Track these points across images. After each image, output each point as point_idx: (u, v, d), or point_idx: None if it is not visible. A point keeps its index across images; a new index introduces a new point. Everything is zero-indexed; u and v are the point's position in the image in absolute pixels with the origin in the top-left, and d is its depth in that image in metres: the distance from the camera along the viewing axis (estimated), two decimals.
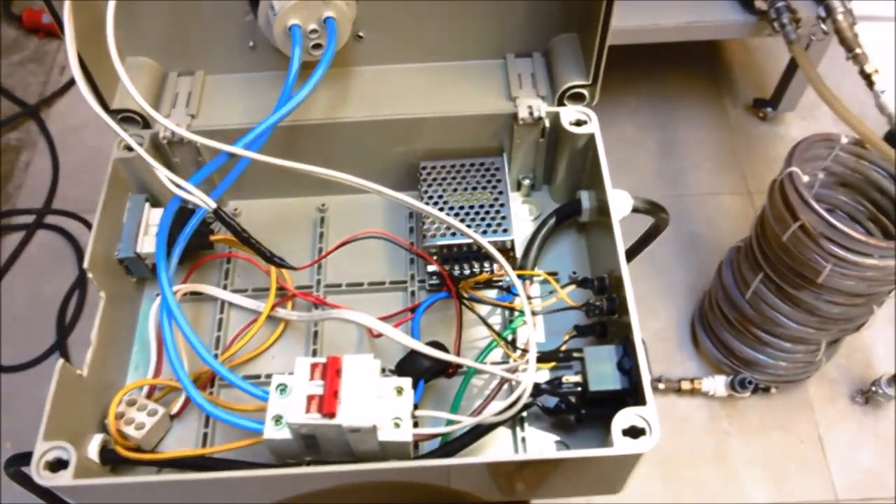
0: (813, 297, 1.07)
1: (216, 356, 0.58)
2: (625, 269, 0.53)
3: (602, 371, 0.51)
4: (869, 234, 1.10)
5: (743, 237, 1.19)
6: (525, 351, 0.55)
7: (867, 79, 1.08)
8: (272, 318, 0.59)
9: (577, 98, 0.60)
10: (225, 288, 0.61)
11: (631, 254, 0.77)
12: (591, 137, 0.58)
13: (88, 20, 0.52)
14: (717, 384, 1.27)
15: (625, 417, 0.47)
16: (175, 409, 0.56)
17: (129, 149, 0.56)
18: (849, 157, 1.07)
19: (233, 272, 0.62)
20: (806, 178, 1.03)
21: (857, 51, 1.12)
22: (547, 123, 0.60)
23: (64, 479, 0.45)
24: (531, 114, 0.59)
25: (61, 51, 1.62)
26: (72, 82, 1.58)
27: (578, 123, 0.60)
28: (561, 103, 0.60)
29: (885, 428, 1.26)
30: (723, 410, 1.28)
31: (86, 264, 0.53)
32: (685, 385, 1.28)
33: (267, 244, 0.61)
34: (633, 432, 0.47)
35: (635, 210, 0.62)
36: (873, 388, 1.25)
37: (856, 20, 1.16)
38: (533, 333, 0.51)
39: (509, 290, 0.59)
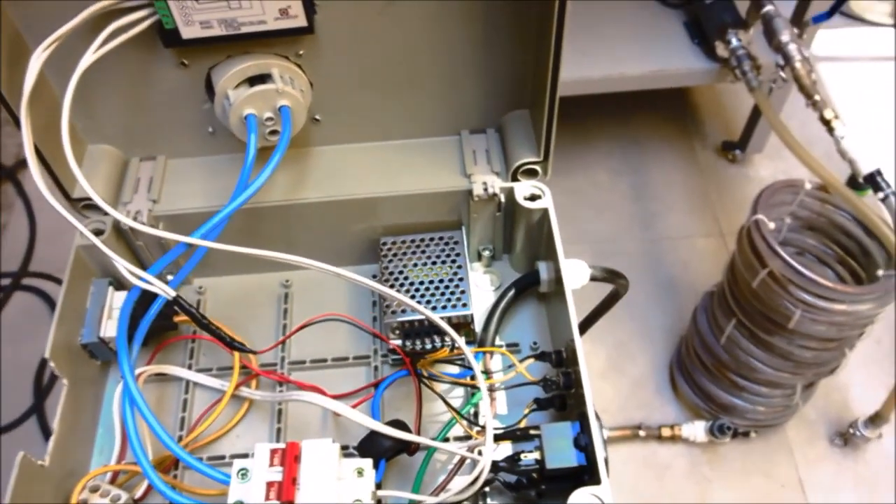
0: (785, 342, 1.09)
1: (179, 438, 0.59)
2: (578, 343, 0.54)
3: (559, 448, 0.52)
4: (838, 277, 1.13)
5: (717, 281, 1.22)
6: (483, 428, 0.56)
7: (827, 125, 1.11)
8: (237, 396, 0.60)
9: (531, 173, 0.62)
10: (190, 368, 0.62)
11: (591, 320, 0.78)
12: (545, 212, 0.60)
13: (45, 111, 0.54)
14: (696, 430, 1.28)
15: (580, 496, 0.48)
16: (139, 493, 0.56)
17: (95, 234, 0.58)
18: (813, 201, 1.10)
19: (198, 352, 0.63)
20: (772, 225, 1.05)
21: (816, 97, 1.15)
22: (502, 198, 0.62)
23: None
24: (486, 190, 0.61)
25: None
26: None
27: (532, 198, 0.61)
28: (515, 178, 0.62)
29: (864, 469, 1.27)
30: (703, 456, 1.29)
31: (47, 353, 0.54)
32: (665, 432, 1.30)
33: (232, 321, 0.62)
34: None
35: (593, 279, 0.64)
36: (851, 430, 1.27)
37: (813, 67, 1.20)
38: (489, 412, 0.52)
39: (468, 368, 0.60)
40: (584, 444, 0.51)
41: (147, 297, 0.56)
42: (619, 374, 1.37)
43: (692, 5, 1.41)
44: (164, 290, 0.52)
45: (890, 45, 1.79)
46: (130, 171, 0.63)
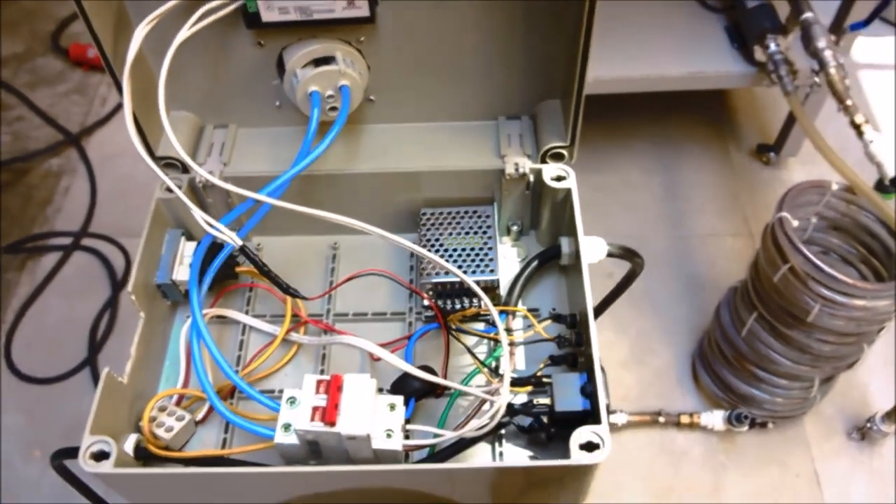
0: (804, 335, 1.14)
1: (237, 372, 0.68)
2: (590, 307, 0.62)
3: (567, 395, 0.60)
4: (861, 276, 1.18)
5: (742, 278, 1.27)
6: (502, 377, 0.64)
7: (857, 129, 1.16)
8: (287, 341, 0.70)
9: (558, 157, 0.70)
10: (247, 313, 0.72)
11: (611, 298, 0.86)
12: (569, 192, 0.69)
13: (140, 78, 0.64)
14: (715, 419, 1.34)
15: (582, 434, 0.56)
16: (200, 415, 0.66)
17: (170, 191, 0.68)
18: (839, 202, 1.15)
19: (254, 300, 0.73)
20: (796, 223, 1.11)
21: (848, 102, 1.20)
22: (531, 178, 0.71)
23: (105, 467, 0.56)
24: (517, 170, 0.70)
25: (103, 83, 1.75)
26: (112, 114, 1.71)
27: (559, 179, 0.70)
28: (543, 161, 0.71)
29: (879, 464, 1.31)
30: (720, 444, 1.34)
31: (129, 288, 0.64)
32: (684, 419, 1.36)
33: (284, 277, 0.71)
34: (589, 446, 0.56)
35: (610, 255, 0.72)
36: (868, 425, 1.31)
37: (847, 73, 1.26)
38: (507, 360, 0.61)
39: (492, 325, 0.69)
40: (589, 392, 0.60)
41: (213, 249, 0.66)
42: (641, 364, 1.43)
43: (733, 10, 1.47)
44: (233, 239, 0.62)
45: None
46: (205, 136, 0.73)
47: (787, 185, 1.36)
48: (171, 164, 0.70)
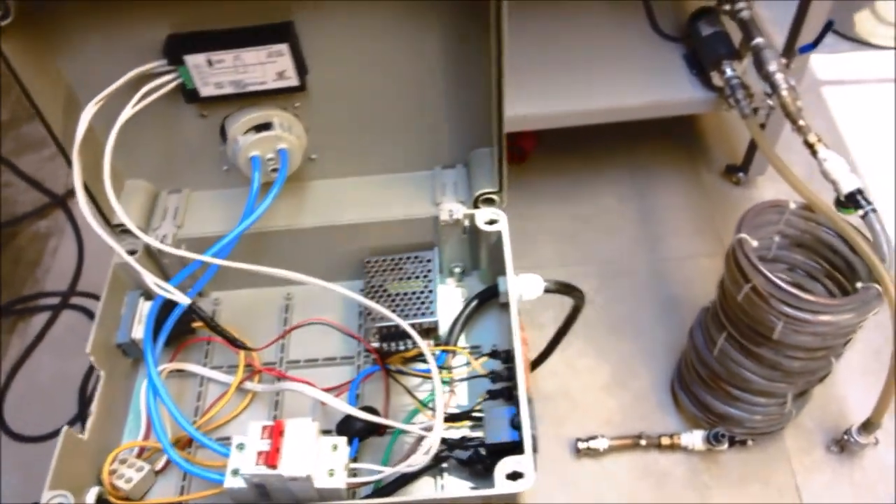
0: (772, 352, 1.17)
1: (193, 423, 0.73)
2: (517, 342, 0.67)
3: (497, 426, 0.65)
4: (828, 291, 1.21)
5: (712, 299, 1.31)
6: (448, 414, 0.69)
7: (810, 148, 1.21)
8: (242, 390, 0.75)
9: (490, 202, 0.76)
10: (205, 365, 0.77)
11: (559, 336, 0.90)
12: (500, 234, 0.74)
13: (92, 152, 0.69)
14: (695, 439, 1.37)
15: (507, 464, 0.61)
16: (159, 465, 0.71)
17: (129, 254, 0.73)
18: (799, 220, 1.19)
19: (212, 352, 0.78)
20: (756, 244, 1.15)
21: (800, 123, 1.25)
22: (466, 223, 0.76)
23: None
24: (451, 216, 0.75)
25: None
26: None
27: (491, 222, 0.75)
28: (476, 206, 0.76)
29: (860, 476, 1.32)
30: (703, 464, 1.37)
31: (88, 349, 0.70)
32: (665, 440, 1.38)
33: (241, 328, 0.77)
34: (514, 476, 0.60)
35: (547, 290, 0.77)
36: (846, 437, 1.33)
37: (799, 95, 1.31)
38: (440, 397, 0.65)
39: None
40: (517, 423, 0.64)
41: (170, 306, 0.71)
42: (622, 388, 1.47)
43: (690, 38, 1.53)
44: (181, 298, 0.67)
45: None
46: (160, 201, 0.79)
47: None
48: (128, 231, 0.75)
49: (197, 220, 0.78)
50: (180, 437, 0.71)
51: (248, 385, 0.74)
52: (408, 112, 0.74)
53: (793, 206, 1.18)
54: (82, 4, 0.63)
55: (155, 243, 0.67)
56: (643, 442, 1.39)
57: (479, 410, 0.67)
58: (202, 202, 0.79)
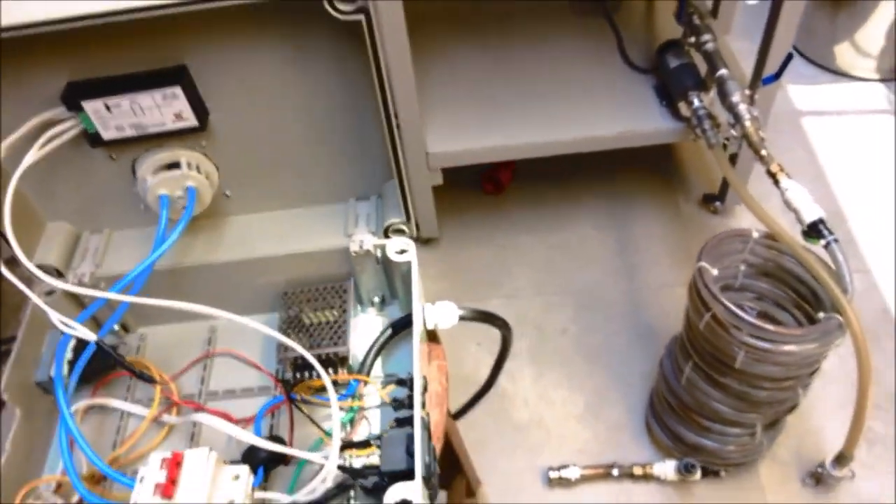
0: (737, 382, 1.17)
1: (116, 458, 0.75)
2: (416, 371, 0.68)
3: (393, 454, 0.66)
4: (795, 320, 1.21)
5: None
6: (349, 442, 0.70)
7: (773, 177, 1.22)
8: (160, 422, 0.77)
9: (401, 232, 0.78)
10: (126, 399, 0.79)
11: (497, 366, 0.91)
12: (409, 264, 0.76)
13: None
14: (667, 469, 1.36)
15: (396, 491, 0.62)
16: (73, 500, 0.73)
17: (48, 294, 0.77)
18: (763, 248, 1.19)
19: (133, 386, 0.81)
20: (716, 272, 1.16)
21: (763, 153, 1.26)
22: (378, 253, 0.78)
23: None
24: (361, 247, 0.77)
25: None
26: None
27: (401, 252, 0.77)
28: (387, 236, 0.78)
29: None
30: (676, 494, 1.35)
31: (2, 386, 0.72)
32: (637, 470, 1.37)
33: (166, 361, 0.79)
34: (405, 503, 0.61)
35: (462, 318, 0.78)
36: (820, 470, 1.32)
37: (762, 125, 1.32)
38: (337, 425, 0.67)
39: (343, 394, 0.75)
40: (411, 451, 0.65)
41: (86, 343, 0.73)
42: (596, 418, 1.47)
43: (659, 70, 1.55)
44: (88, 335, 0.70)
45: (877, 99, 1.89)
46: (82, 242, 0.82)
47: None
48: (49, 271, 0.78)
49: (117, 259, 0.81)
50: (94, 471, 0.73)
51: (165, 418, 0.76)
52: (315, 146, 0.77)
53: (755, 234, 1.19)
54: None
55: (60, 285, 0.70)
56: (615, 472, 1.38)
57: (378, 438, 0.69)
58: (123, 241, 0.82)
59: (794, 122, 1.88)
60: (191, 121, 0.71)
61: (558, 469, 1.40)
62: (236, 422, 0.75)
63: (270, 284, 0.81)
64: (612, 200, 1.77)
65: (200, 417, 0.70)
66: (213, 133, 0.74)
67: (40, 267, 0.74)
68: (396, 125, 0.69)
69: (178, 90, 0.68)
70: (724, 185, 1.67)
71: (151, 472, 0.65)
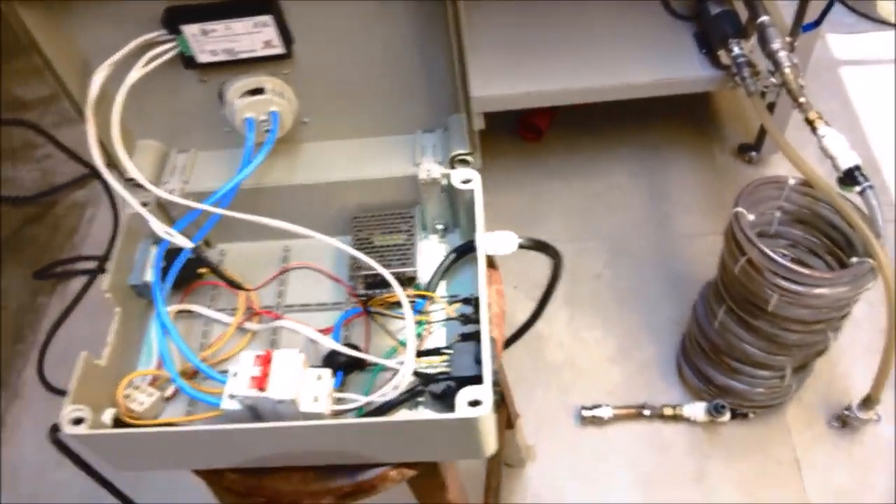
0: (769, 325, 1.23)
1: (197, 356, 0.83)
2: (482, 290, 0.75)
3: (463, 362, 0.73)
4: (827, 266, 1.26)
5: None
6: (421, 351, 0.78)
7: (810, 125, 1.26)
8: (242, 329, 0.84)
9: (465, 162, 0.84)
10: (209, 307, 0.87)
11: (547, 294, 0.97)
12: (472, 192, 0.82)
13: (107, 115, 0.79)
14: (697, 410, 1.43)
15: (467, 393, 0.69)
16: (168, 392, 0.81)
17: (142, 205, 0.84)
18: (798, 195, 1.24)
19: (217, 296, 0.88)
20: (752, 217, 1.21)
21: (801, 100, 1.31)
22: (443, 182, 0.84)
23: (82, 430, 0.71)
24: (428, 175, 0.83)
25: None
26: None
27: (465, 181, 0.83)
28: (453, 167, 0.84)
29: (860, 451, 1.37)
30: (704, 435, 1.43)
31: (105, 286, 0.80)
32: (668, 411, 1.45)
33: (244, 275, 0.86)
34: (474, 403, 0.69)
35: (521, 246, 0.84)
36: (847, 412, 1.38)
37: (800, 73, 1.36)
38: (412, 333, 0.74)
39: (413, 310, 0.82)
40: (480, 359, 0.72)
41: (177, 252, 0.81)
42: (627, 359, 1.54)
43: (700, 17, 1.59)
44: (185, 242, 0.77)
45: None
46: (169, 160, 0.89)
47: None
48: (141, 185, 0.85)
49: (202, 177, 0.87)
50: (186, 368, 0.81)
51: (248, 325, 0.84)
52: (388, 79, 0.82)
53: (792, 182, 1.24)
54: None
55: (162, 194, 0.77)
56: (646, 412, 1.45)
57: (448, 347, 0.76)
58: (207, 161, 0.89)
59: (833, 70, 1.91)
60: (278, 48, 0.76)
61: (591, 408, 1.48)
62: None
63: (342, 208, 0.87)
64: (646, 150, 1.81)
65: (285, 323, 0.77)
66: (296, 61, 0.79)
67: (131, 181, 0.82)
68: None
69: (268, 18, 0.74)
70: (761, 134, 1.70)
71: (244, 367, 0.72)
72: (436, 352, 0.77)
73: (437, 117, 0.86)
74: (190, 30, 0.74)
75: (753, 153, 1.74)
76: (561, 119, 1.85)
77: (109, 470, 0.79)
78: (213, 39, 0.75)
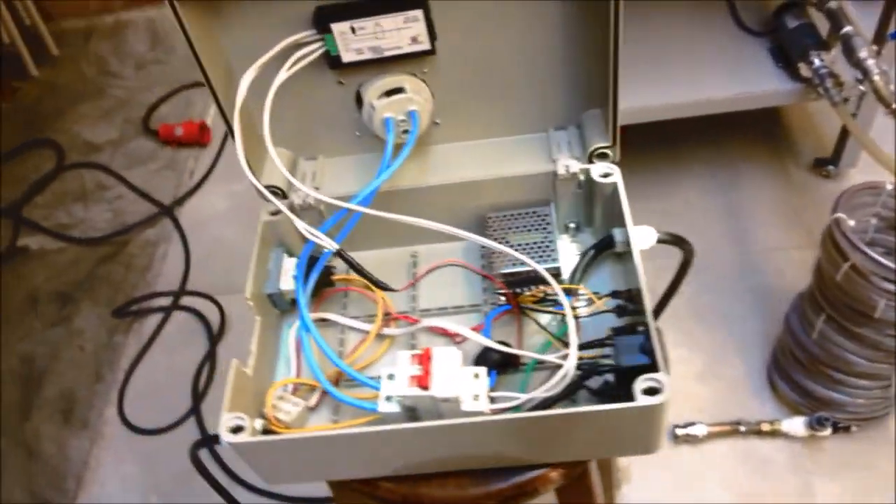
0: (874, 332, 1.20)
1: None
2: (642, 280, 0.73)
3: (629, 352, 0.71)
4: None
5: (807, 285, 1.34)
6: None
7: None
8: (380, 336, 0.82)
9: (603, 157, 0.83)
10: (343, 315, 0.85)
11: (674, 286, 0.96)
12: (615, 185, 0.80)
13: (245, 123, 0.79)
14: (796, 424, 1.39)
15: (644, 380, 0.66)
16: (312, 402, 0.78)
17: (273, 213, 0.83)
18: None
19: (349, 303, 0.86)
20: (853, 223, 1.19)
21: (894, 106, 1.30)
22: (581, 178, 0.83)
23: (243, 438, 0.68)
24: (567, 171, 0.82)
25: (190, 157, 1.97)
26: (199, 184, 1.91)
27: (605, 175, 0.82)
28: (591, 161, 0.83)
29: None
30: (805, 450, 1.39)
31: (247, 294, 0.78)
32: (765, 427, 1.41)
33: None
34: (651, 391, 0.66)
35: (660, 241, 0.83)
36: None
37: (891, 79, 1.35)
38: (574, 328, 0.71)
39: (559, 305, 0.80)
40: (647, 350, 0.70)
41: (310, 263, 0.79)
42: (716, 377, 1.50)
43: (775, 32, 1.59)
44: (330, 244, 0.75)
45: None
46: (298, 167, 0.88)
47: None
48: (273, 192, 0.84)
49: (332, 183, 0.86)
50: (328, 375, 0.78)
51: (387, 330, 0.82)
52: (525, 74, 0.81)
53: (889, 187, 1.22)
54: None
55: (310, 192, 0.77)
56: (742, 428, 1.42)
57: (608, 340, 0.73)
58: (335, 167, 0.88)
59: None
60: (425, 44, 0.76)
61: (685, 426, 1.44)
62: (451, 334, 0.81)
63: (474, 210, 0.86)
64: (719, 167, 1.80)
65: (433, 322, 0.75)
66: (436, 58, 0.79)
67: (266, 187, 0.81)
68: None
69: (419, 13, 0.73)
70: (838, 147, 1.69)
71: (402, 367, 0.70)
72: (596, 343, 0.74)
73: (569, 114, 0.85)
74: (340, 28, 0.74)
75: (831, 167, 1.72)
76: (630, 136, 1.85)
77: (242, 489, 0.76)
78: (360, 38, 0.75)
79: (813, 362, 1.34)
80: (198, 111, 2.05)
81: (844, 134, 1.66)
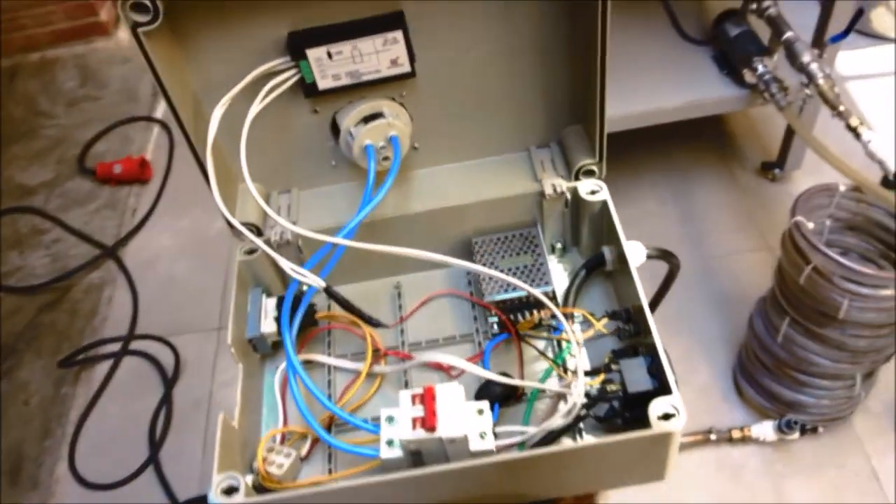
0: (838, 332, 1.21)
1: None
2: (644, 300, 0.70)
3: (636, 376, 0.68)
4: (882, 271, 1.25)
5: (768, 288, 1.35)
6: (575, 372, 0.72)
7: (853, 132, 1.26)
8: (370, 375, 0.78)
9: (590, 173, 0.80)
10: (329, 355, 0.80)
11: (657, 299, 0.94)
12: (605, 202, 0.78)
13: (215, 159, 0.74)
14: (765, 429, 1.39)
15: (659, 405, 0.64)
16: (304, 452, 0.73)
17: (249, 253, 0.77)
18: (849, 202, 1.23)
19: (334, 342, 0.81)
20: (811, 226, 1.20)
21: (840, 108, 1.31)
22: (568, 196, 0.80)
23: (238, 499, 0.63)
24: (555, 190, 0.79)
25: (131, 195, 1.88)
26: (142, 222, 1.82)
27: (593, 192, 0.79)
28: (577, 179, 0.80)
29: None
30: (776, 454, 1.39)
31: (228, 340, 0.73)
32: (735, 434, 1.40)
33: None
34: (666, 416, 0.63)
35: (649, 257, 0.80)
36: None
37: (836, 82, 1.37)
38: (579, 352, 0.68)
39: (555, 329, 0.77)
40: (655, 372, 0.67)
41: (293, 302, 0.74)
42: (683, 385, 1.49)
43: (717, 40, 1.60)
44: (316, 281, 0.71)
45: None
46: (272, 201, 0.83)
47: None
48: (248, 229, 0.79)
49: (309, 216, 0.82)
50: (319, 420, 0.74)
51: (378, 368, 0.77)
52: (504, 92, 0.79)
53: (842, 188, 1.23)
54: (208, 7, 0.68)
55: (291, 227, 0.71)
56: (713, 436, 1.41)
57: (615, 363, 0.70)
58: (311, 199, 0.83)
59: (840, 86, 1.94)
60: (405, 66, 0.72)
61: None
62: (446, 369, 0.77)
63: (459, 234, 0.83)
64: (670, 174, 1.81)
65: (429, 357, 0.71)
66: (416, 80, 0.75)
67: (244, 225, 0.76)
68: None
69: (399, 35, 0.70)
70: (783, 151, 1.72)
71: (404, 409, 0.66)
72: (599, 370, 0.71)
73: (549, 132, 0.83)
74: (315, 53, 0.70)
75: (777, 170, 1.75)
76: None
77: None
78: (337, 63, 0.71)
79: (778, 365, 1.35)
80: (136, 147, 1.96)
81: (789, 137, 1.69)
